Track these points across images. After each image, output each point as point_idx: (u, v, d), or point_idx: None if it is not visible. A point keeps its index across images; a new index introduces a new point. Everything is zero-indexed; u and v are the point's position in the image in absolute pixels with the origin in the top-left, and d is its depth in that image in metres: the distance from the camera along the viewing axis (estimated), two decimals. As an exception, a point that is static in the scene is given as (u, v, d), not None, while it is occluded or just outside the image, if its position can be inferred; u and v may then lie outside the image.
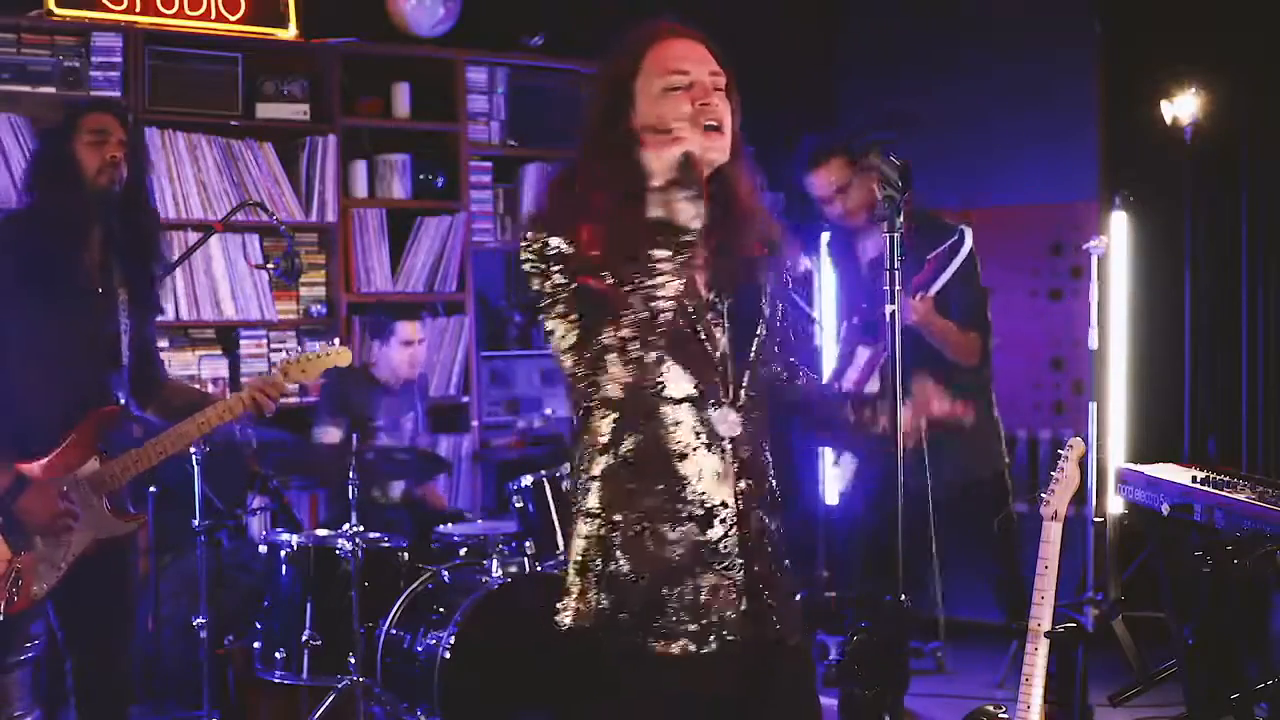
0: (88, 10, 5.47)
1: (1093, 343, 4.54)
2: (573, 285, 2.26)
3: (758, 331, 2.43)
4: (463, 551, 4.81)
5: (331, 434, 5.28)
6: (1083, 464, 3.53)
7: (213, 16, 5.71)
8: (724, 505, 2.36)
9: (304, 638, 4.53)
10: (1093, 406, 4.68)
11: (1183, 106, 5.51)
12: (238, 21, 5.77)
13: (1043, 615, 3.41)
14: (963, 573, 5.39)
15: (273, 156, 5.81)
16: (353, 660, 4.47)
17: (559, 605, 2.41)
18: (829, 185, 4.35)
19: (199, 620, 4.63)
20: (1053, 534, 3.43)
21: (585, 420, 2.37)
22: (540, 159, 6.42)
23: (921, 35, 6.39)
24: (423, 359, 5.52)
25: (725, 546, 2.35)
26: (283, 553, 4.66)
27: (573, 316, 2.26)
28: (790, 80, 6.34)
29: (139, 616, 5.06)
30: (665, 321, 2.23)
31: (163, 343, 5.59)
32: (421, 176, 6.19)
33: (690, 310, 2.34)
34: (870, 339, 4.37)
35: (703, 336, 2.35)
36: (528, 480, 4.79)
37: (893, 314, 1.97)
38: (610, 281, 2.22)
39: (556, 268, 2.27)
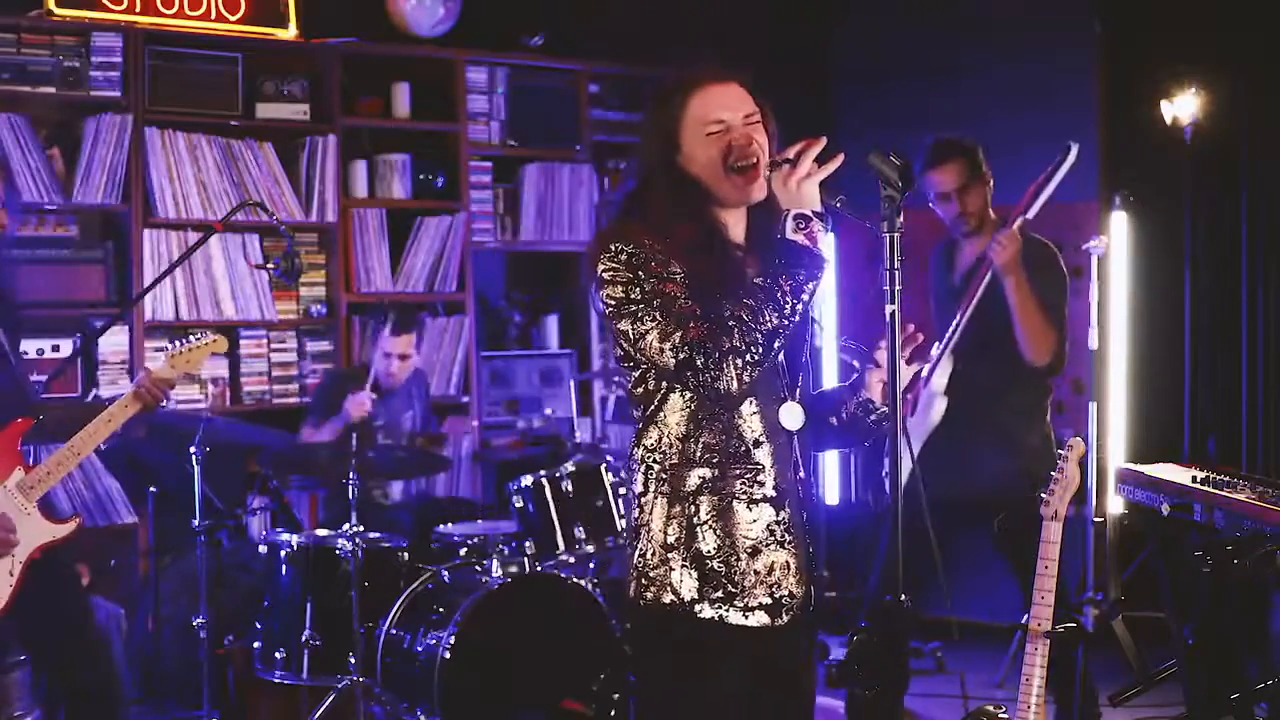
0: (88, 10, 5.47)
1: (1093, 343, 4.54)
2: (675, 295, 2.48)
3: (806, 334, 2.66)
4: (463, 551, 4.81)
5: (314, 433, 5.27)
6: (1083, 464, 3.52)
7: (213, 16, 5.71)
8: (791, 490, 2.62)
9: (304, 638, 4.53)
10: (1093, 406, 4.68)
11: (1183, 106, 5.51)
12: (238, 21, 5.77)
13: (1043, 615, 3.41)
14: (963, 573, 5.39)
15: (273, 156, 5.81)
16: (353, 660, 4.47)
17: (641, 583, 2.59)
18: (949, 184, 4.34)
19: (199, 620, 4.63)
20: (1053, 534, 3.43)
21: (656, 413, 2.60)
22: (540, 159, 6.43)
23: (921, 35, 6.39)
24: (409, 371, 5.45)
25: (793, 529, 2.61)
26: (283, 553, 4.66)
27: (673, 322, 2.47)
28: (787, 81, 6.34)
29: (139, 616, 5.07)
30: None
31: (162, 343, 5.60)
32: (421, 176, 6.20)
33: None
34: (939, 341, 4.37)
35: None
36: (528, 480, 4.80)
37: (893, 314, 1.98)
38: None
39: (652, 278, 2.49)
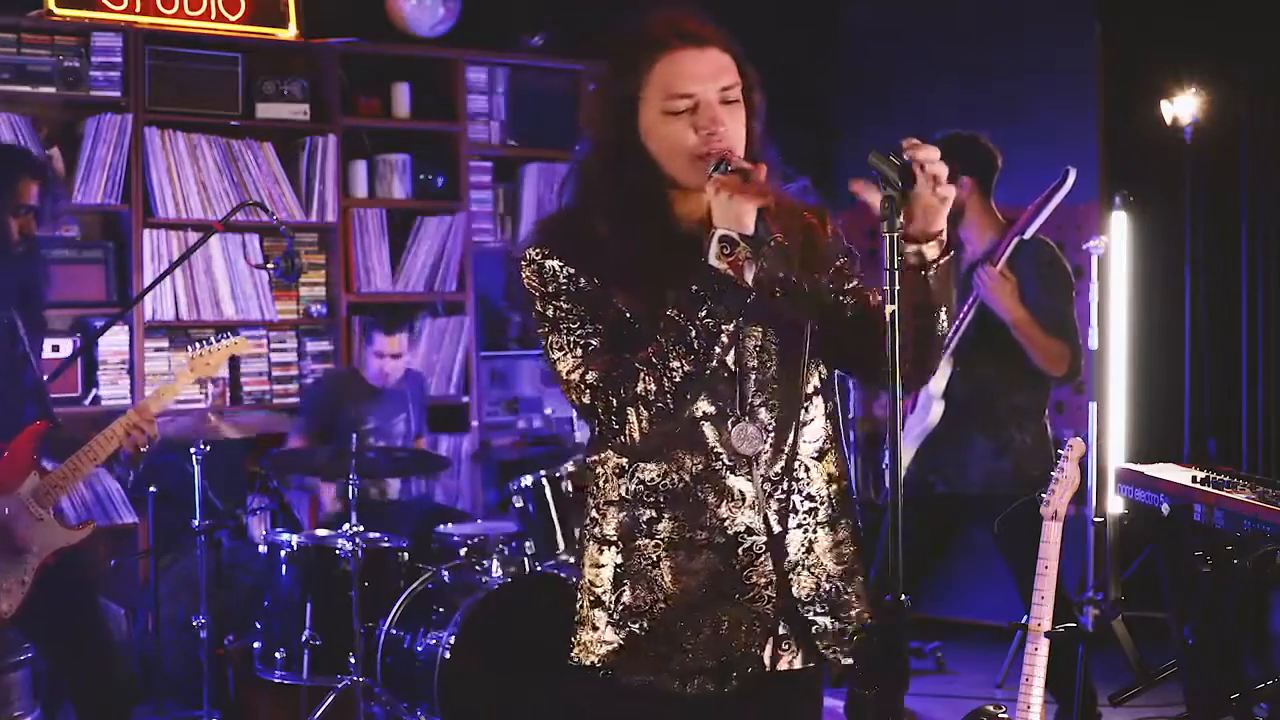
0: (88, 10, 5.47)
1: (1093, 343, 4.53)
2: (586, 319, 2.13)
3: (771, 338, 2.21)
4: (463, 551, 4.81)
5: (298, 444, 5.27)
6: (1083, 464, 3.52)
7: (213, 16, 5.71)
8: (749, 532, 2.17)
9: (304, 638, 4.53)
10: (1093, 406, 4.67)
11: (1183, 106, 5.51)
12: (238, 21, 5.77)
13: (1043, 615, 3.41)
14: (963, 573, 5.40)
15: (273, 156, 5.81)
16: (353, 660, 4.47)
17: (570, 640, 2.23)
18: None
19: (199, 620, 4.64)
20: (1053, 534, 3.43)
21: (598, 441, 2.23)
22: (540, 159, 6.42)
23: (921, 36, 6.39)
24: (400, 371, 5.43)
25: (751, 577, 2.17)
26: (283, 553, 4.65)
27: (579, 352, 2.13)
28: (788, 83, 6.33)
29: (139, 616, 5.07)
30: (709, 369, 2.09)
31: (162, 343, 5.61)
32: (421, 176, 6.19)
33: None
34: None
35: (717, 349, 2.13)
36: (528, 480, 4.79)
37: (892, 314, 1.92)
38: (644, 333, 2.09)
39: (562, 297, 2.14)
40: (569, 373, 2.13)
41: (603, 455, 2.23)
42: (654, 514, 2.17)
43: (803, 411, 2.22)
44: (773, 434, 2.19)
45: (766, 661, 2.19)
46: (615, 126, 2.17)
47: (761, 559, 2.17)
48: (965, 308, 4.25)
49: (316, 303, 5.98)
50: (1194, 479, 3.84)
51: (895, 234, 1.99)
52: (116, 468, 3.99)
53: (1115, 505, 4.81)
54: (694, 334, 2.04)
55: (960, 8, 6.28)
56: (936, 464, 4.37)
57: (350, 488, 4.59)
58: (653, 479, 2.17)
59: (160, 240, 5.55)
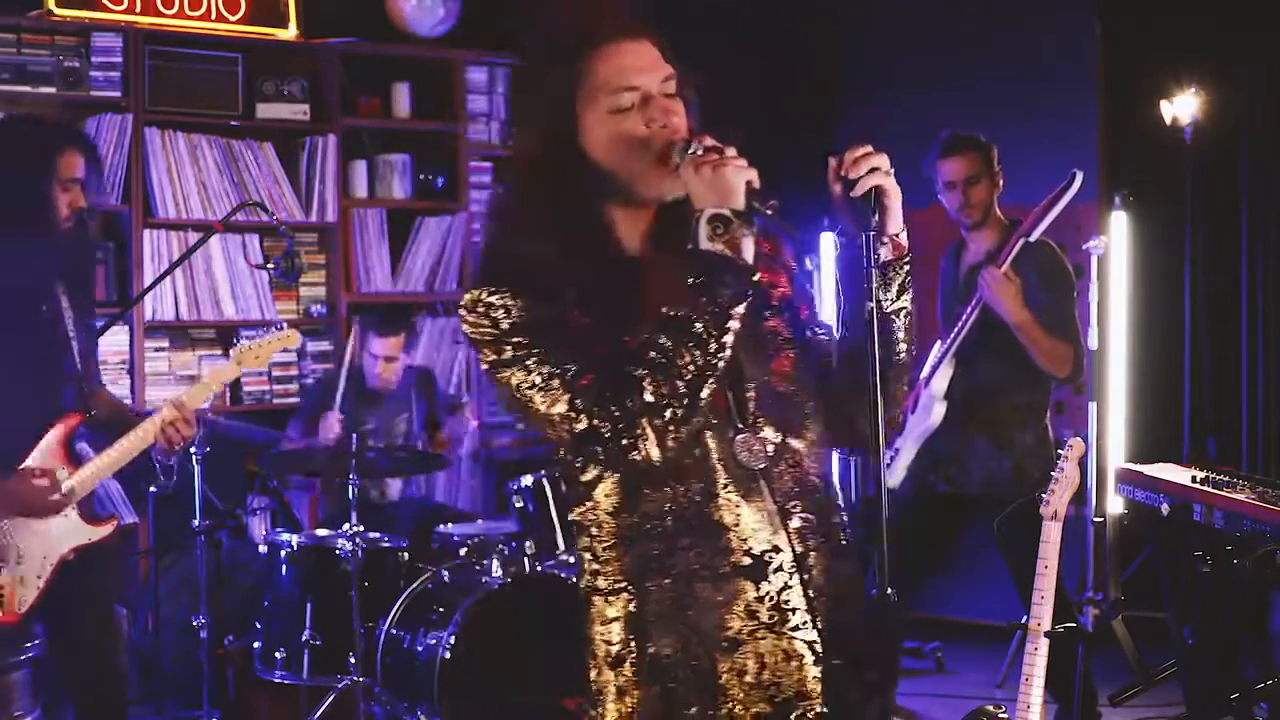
0: (88, 10, 5.47)
1: (1092, 343, 4.53)
2: (553, 347, 1.90)
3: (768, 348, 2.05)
4: (463, 551, 4.81)
5: (294, 443, 5.27)
6: (1082, 464, 3.52)
7: (213, 16, 5.71)
8: (776, 550, 1.95)
9: (304, 638, 4.53)
10: (1092, 406, 4.67)
11: (1183, 106, 5.51)
12: (238, 21, 5.77)
13: (1043, 615, 3.41)
14: (963, 573, 5.39)
15: (273, 156, 5.81)
16: (353, 660, 4.47)
17: (590, 714, 1.98)
18: (958, 174, 4.35)
19: (199, 620, 4.63)
20: (1052, 534, 3.43)
21: (581, 483, 1.98)
22: (540, 159, 6.41)
23: (921, 37, 6.39)
24: (398, 373, 5.42)
25: (789, 600, 1.94)
26: (283, 553, 4.65)
27: (556, 382, 1.90)
28: (792, 83, 6.34)
29: (139, 616, 5.08)
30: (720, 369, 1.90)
31: (163, 342, 5.61)
32: (421, 176, 6.19)
33: None
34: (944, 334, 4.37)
35: None
36: (528, 480, 4.79)
37: (870, 311, 1.89)
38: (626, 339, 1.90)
39: (519, 333, 1.91)
40: (552, 407, 1.89)
41: (589, 504, 1.98)
42: (664, 547, 1.93)
43: (807, 428, 2.05)
44: (775, 443, 2.00)
45: (827, 692, 1.95)
46: (551, 137, 1.96)
47: (793, 580, 1.95)
48: (969, 309, 4.26)
49: (316, 303, 5.98)
50: (1194, 479, 3.84)
51: (873, 234, 1.91)
52: (156, 465, 3.85)
53: (1115, 505, 4.81)
54: (700, 322, 1.85)
55: (960, 8, 6.28)
56: (938, 464, 4.37)
57: (350, 488, 4.59)
58: (656, 509, 1.93)
59: (160, 240, 5.55)
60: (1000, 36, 6.15)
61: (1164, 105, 5.55)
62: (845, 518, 2.06)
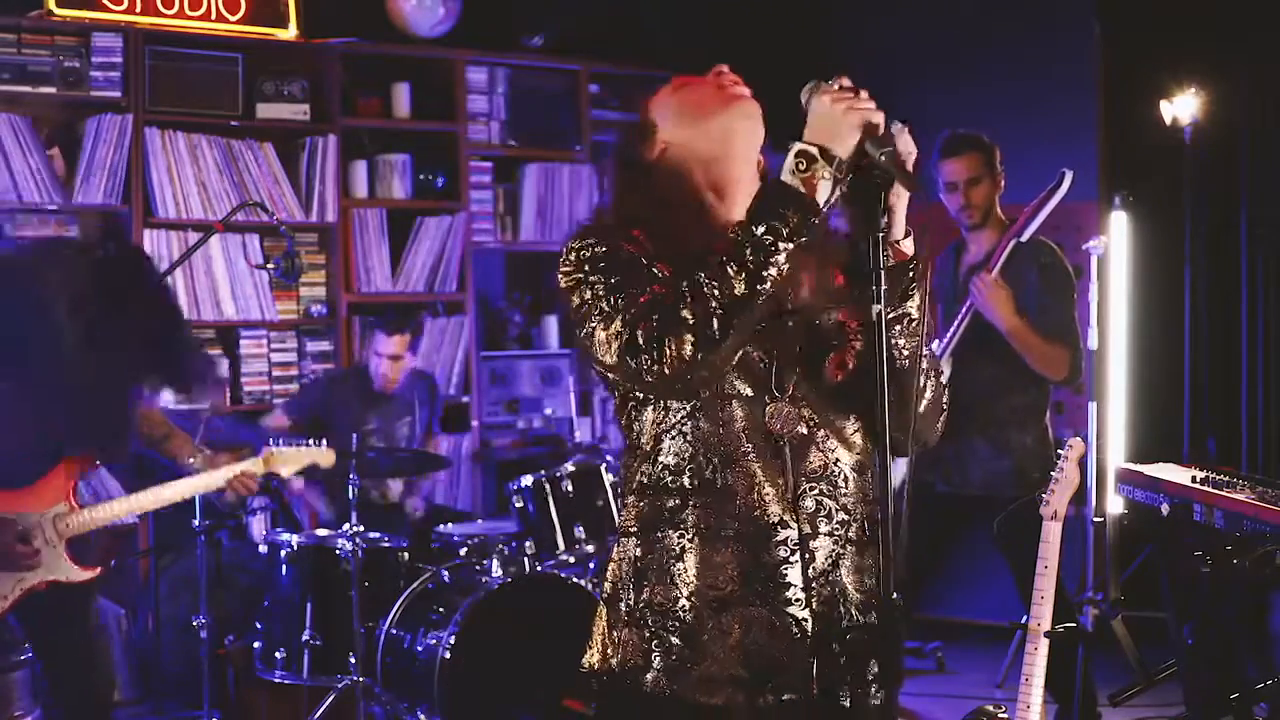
0: (88, 10, 5.47)
1: (1092, 343, 4.53)
2: (625, 283, 1.96)
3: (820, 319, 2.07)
4: (463, 551, 4.81)
5: (279, 418, 5.27)
6: (1082, 464, 3.52)
7: (213, 16, 5.71)
8: (784, 525, 1.98)
9: (304, 638, 4.53)
10: (1092, 406, 4.67)
11: (1183, 106, 5.51)
12: (238, 21, 5.77)
13: (1043, 615, 3.41)
14: (963, 573, 5.39)
15: (273, 156, 5.81)
16: (353, 660, 4.47)
17: (589, 642, 2.07)
18: (960, 175, 4.35)
19: (199, 620, 4.63)
20: (1052, 534, 3.43)
21: (629, 426, 2.07)
22: (540, 159, 6.43)
23: (921, 37, 6.38)
24: (405, 372, 5.43)
25: (785, 574, 1.97)
26: (283, 553, 4.66)
27: (607, 306, 1.95)
28: (785, 82, 6.33)
29: (139, 616, 5.07)
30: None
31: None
32: (421, 176, 6.20)
33: None
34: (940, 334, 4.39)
35: None
36: (528, 480, 4.79)
37: (878, 314, 1.89)
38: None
39: (599, 270, 2.00)
40: (606, 325, 1.92)
41: (630, 441, 2.06)
42: (678, 501, 1.98)
43: (849, 421, 2.06)
44: (812, 425, 2.01)
45: (807, 684, 1.97)
46: (639, 133, 2.22)
47: (794, 557, 1.98)
48: (963, 310, 4.26)
49: (316, 303, 5.98)
50: (1194, 479, 3.84)
51: (880, 234, 1.92)
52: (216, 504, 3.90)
53: (1115, 505, 4.81)
54: (750, 248, 1.86)
55: (960, 8, 6.28)
56: (936, 464, 4.37)
57: (350, 487, 4.59)
58: (676, 462, 1.99)
59: (160, 240, 5.55)
60: (1000, 36, 6.15)
61: (1164, 105, 5.55)
62: (871, 515, 2.05)
